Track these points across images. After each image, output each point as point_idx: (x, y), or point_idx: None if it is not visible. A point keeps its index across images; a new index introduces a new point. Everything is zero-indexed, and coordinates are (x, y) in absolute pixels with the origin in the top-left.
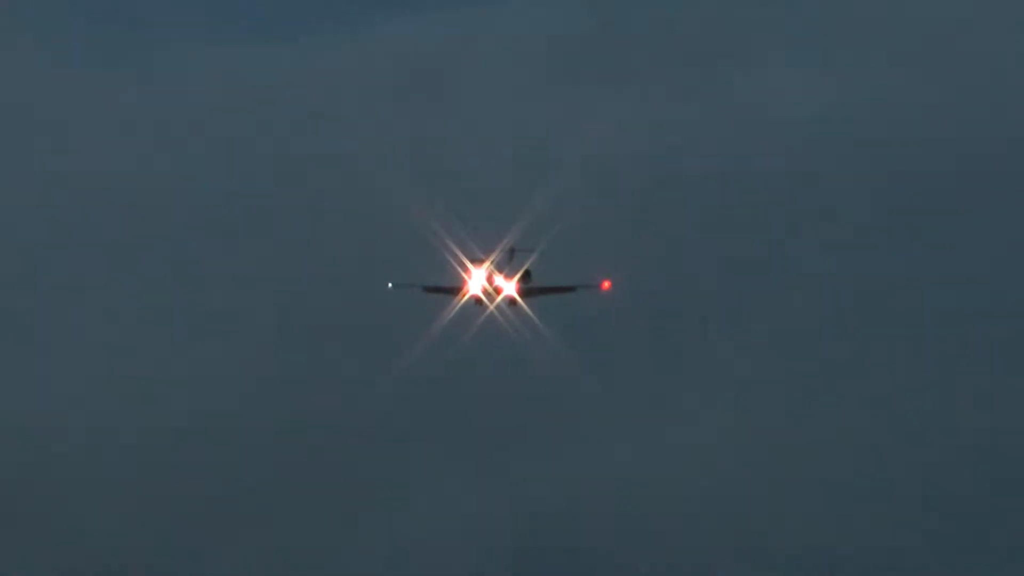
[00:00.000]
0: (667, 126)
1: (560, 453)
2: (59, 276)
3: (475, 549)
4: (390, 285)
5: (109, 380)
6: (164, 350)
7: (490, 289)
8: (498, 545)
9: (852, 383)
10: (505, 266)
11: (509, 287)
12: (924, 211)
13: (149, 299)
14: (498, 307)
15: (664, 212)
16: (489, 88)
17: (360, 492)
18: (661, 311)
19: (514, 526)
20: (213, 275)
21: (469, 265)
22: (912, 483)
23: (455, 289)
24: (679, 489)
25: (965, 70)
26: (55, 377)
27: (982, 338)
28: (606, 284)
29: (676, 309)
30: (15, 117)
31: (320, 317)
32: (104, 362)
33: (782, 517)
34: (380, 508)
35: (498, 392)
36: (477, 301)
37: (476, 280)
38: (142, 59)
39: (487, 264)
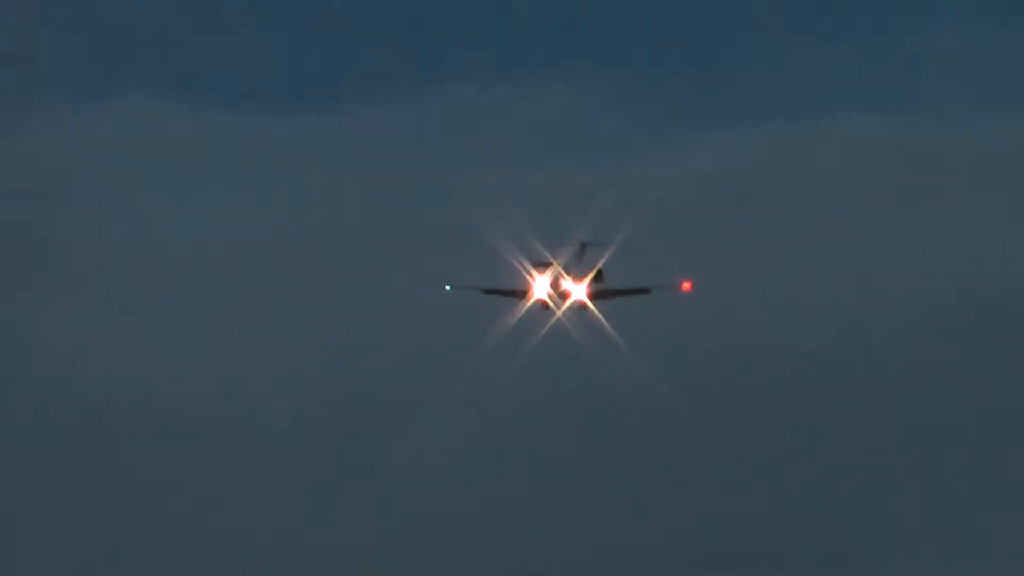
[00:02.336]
0: (974, 247)
1: None
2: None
3: None
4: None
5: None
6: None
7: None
8: None
9: None
10: (574, 265)
11: (578, 290)
12: None
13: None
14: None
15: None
16: (808, 204)
17: None
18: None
19: None
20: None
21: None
22: None
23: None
24: None
25: None
26: None
27: None
28: (686, 285)
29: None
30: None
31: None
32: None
33: None
34: None
35: None
36: (543, 305)
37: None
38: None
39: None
